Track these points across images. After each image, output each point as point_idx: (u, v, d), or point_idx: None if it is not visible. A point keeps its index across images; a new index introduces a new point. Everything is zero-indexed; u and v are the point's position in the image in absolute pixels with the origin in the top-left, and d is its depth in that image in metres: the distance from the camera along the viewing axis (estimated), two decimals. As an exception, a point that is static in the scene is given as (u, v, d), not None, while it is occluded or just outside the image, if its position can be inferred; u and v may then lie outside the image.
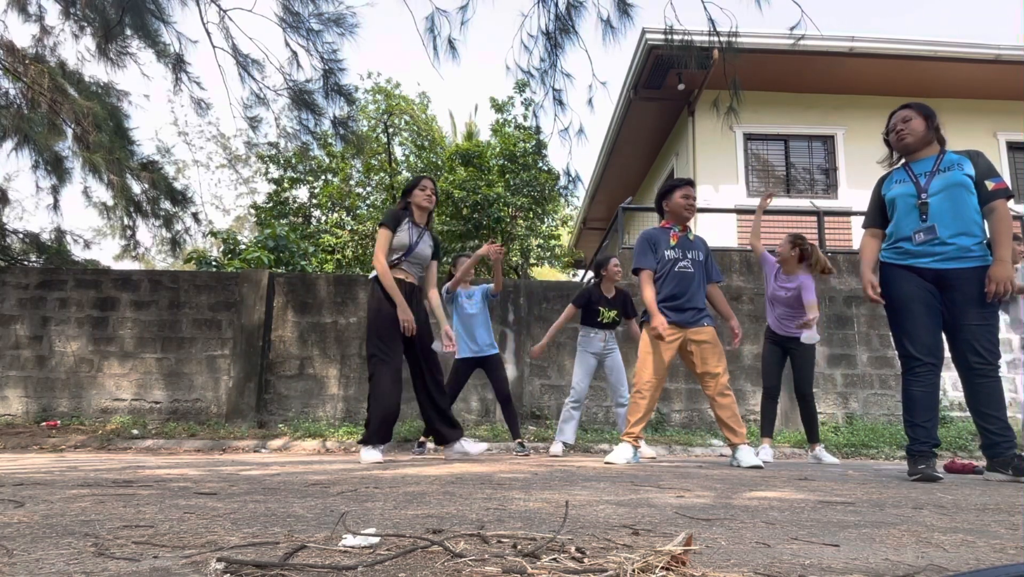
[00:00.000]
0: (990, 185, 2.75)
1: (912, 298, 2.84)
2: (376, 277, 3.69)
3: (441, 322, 3.96)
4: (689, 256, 3.77)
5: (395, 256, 3.73)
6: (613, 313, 4.97)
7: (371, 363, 3.60)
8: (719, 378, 3.62)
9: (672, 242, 3.80)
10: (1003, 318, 4.41)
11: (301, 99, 6.49)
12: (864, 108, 9.81)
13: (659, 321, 3.59)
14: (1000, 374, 2.74)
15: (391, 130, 14.76)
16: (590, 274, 5.36)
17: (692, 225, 4.03)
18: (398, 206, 3.88)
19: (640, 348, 3.76)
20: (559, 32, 5.11)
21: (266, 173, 15.63)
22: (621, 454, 3.66)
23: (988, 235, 2.83)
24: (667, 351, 3.64)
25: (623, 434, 3.77)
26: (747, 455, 3.55)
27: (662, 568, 0.82)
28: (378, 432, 3.56)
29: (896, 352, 3.05)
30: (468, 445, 3.79)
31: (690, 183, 3.90)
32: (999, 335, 2.77)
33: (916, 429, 2.82)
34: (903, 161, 3.04)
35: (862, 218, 3.20)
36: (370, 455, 3.55)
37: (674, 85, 9.25)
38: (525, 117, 13.32)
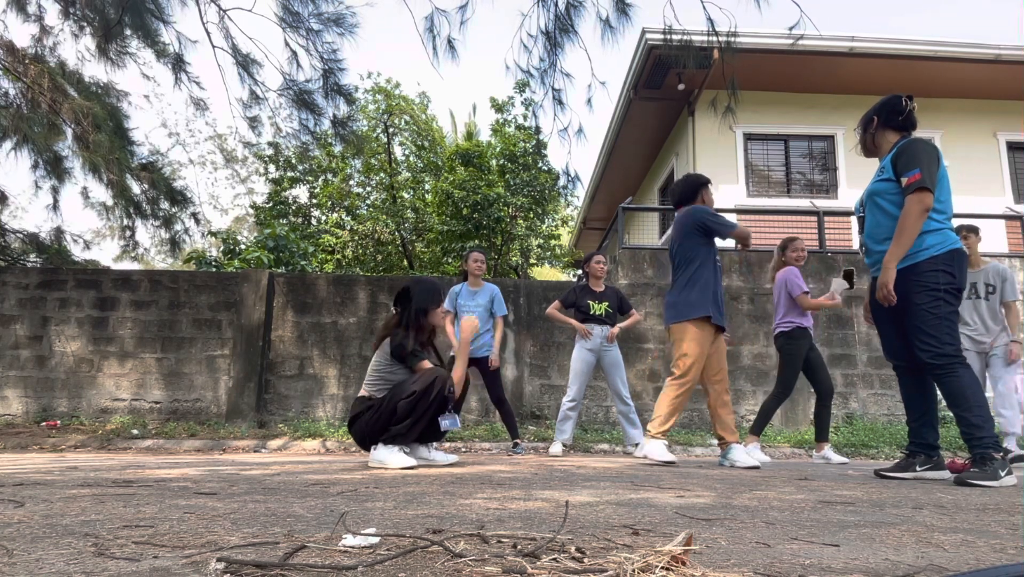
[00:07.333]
0: (904, 181, 2.66)
1: (876, 307, 2.93)
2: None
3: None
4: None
5: None
6: (604, 305, 5.00)
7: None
8: (725, 378, 3.73)
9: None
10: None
11: (301, 99, 6.48)
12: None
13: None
14: (957, 372, 2.56)
15: (391, 130, 14.77)
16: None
17: None
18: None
19: (687, 343, 3.56)
20: (558, 32, 5.11)
21: (265, 173, 15.64)
22: (657, 451, 3.58)
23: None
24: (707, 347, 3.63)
25: (657, 432, 3.57)
26: (743, 455, 3.59)
27: (662, 568, 0.82)
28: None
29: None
30: (437, 454, 3.51)
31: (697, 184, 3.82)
32: (944, 332, 2.58)
33: (908, 428, 2.98)
34: None
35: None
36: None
37: (674, 85, 9.25)
38: (525, 117, 13.34)
